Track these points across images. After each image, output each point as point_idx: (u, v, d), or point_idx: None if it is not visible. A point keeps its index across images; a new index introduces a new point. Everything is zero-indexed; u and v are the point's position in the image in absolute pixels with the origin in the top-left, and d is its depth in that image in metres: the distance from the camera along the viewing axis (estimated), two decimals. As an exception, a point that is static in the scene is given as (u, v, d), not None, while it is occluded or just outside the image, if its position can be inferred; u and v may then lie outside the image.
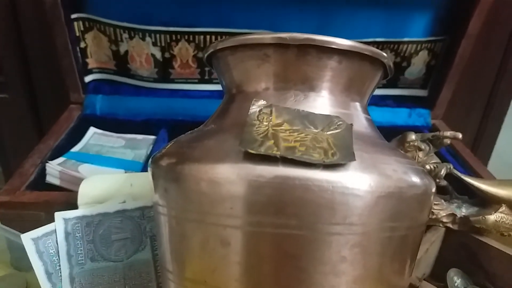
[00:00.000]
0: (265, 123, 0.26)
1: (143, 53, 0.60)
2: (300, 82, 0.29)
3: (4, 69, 0.71)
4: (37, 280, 0.45)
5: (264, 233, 0.24)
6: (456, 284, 0.42)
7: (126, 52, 0.61)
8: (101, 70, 0.63)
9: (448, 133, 0.40)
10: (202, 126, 0.33)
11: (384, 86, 0.65)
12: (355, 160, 0.24)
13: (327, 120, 0.27)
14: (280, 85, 0.29)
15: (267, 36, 0.28)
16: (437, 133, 0.40)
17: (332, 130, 0.26)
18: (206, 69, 0.63)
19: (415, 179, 0.26)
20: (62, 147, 0.55)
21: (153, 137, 0.61)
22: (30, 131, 0.75)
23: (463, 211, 0.42)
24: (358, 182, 0.24)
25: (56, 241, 0.38)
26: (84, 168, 0.51)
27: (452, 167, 0.41)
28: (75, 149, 0.56)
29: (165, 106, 0.63)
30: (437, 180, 0.40)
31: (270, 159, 0.24)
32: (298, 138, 0.25)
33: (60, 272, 0.37)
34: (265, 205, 0.24)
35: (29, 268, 0.46)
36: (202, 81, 0.64)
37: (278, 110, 0.27)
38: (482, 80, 0.71)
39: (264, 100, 0.28)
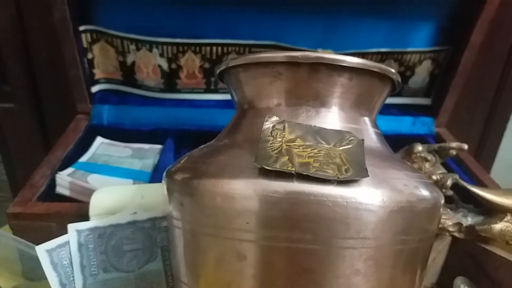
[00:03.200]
0: (278, 139, 0.27)
1: (150, 64, 0.61)
2: (312, 98, 0.29)
3: (10, 79, 0.72)
4: (48, 290, 0.46)
5: (280, 247, 0.25)
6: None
7: (133, 63, 0.62)
8: (108, 81, 0.64)
9: (454, 145, 0.40)
10: (214, 140, 0.33)
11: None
12: (368, 176, 0.25)
13: (339, 136, 0.28)
14: (292, 101, 0.30)
15: (279, 55, 0.29)
16: (443, 144, 0.41)
17: (344, 145, 0.27)
18: (212, 79, 0.63)
19: (425, 193, 0.27)
20: (70, 158, 0.55)
21: (159, 146, 0.62)
22: (36, 141, 0.76)
23: (469, 220, 0.43)
24: (371, 197, 0.24)
25: (70, 252, 0.38)
26: (93, 178, 0.52)
27: (458, 177, 0.41)
28: (83, 159, 0.57)
29: (171, 116, 0.63)
30: (444, 190, 0.41)
31: (285, 175, 0.24)
32: (312, 154, 0.26)
33: (74, 283, 0.38)
34: (280, 220, 0.24)
35: (40, 278, 0.46)
36: (208, 90, 0.64)
37: (291, 126, 0.28)
38: (485, 89, 0.72)
39: (276, 116, 0.29)
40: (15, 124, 0.73)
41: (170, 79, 0.63)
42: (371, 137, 0.30)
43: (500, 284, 0.43)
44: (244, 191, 0.25)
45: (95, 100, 0.64)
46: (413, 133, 0.65)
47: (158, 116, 0.63)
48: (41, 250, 0.37)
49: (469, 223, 0.43)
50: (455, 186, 0.44)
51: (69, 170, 0.53)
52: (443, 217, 0.43)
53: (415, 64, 0.63)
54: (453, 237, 0.44)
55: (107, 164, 0.57)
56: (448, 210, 0.43)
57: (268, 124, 0.28)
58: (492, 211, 0.43)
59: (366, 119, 0.31)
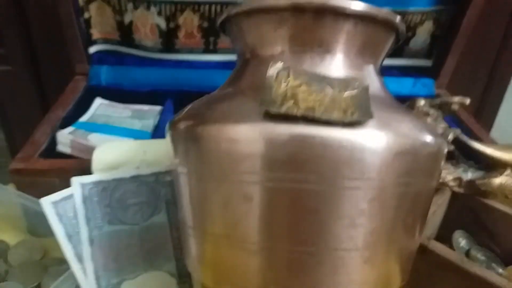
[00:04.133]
0: (283, 84, 0.27)
1: (147, 23, 0.60)
2: (316, 45, 0.29)
3: (5, 41, 0.70)
4: (54, 246, 0.46)
5: (285, 188, 0.25)
6: (461, 245, 0.44)
7: (131, 22, 0.61)
8: (106, 41, 0.63)
9: (456, 99, 0.40)
10: (217, 90, 0.33)
11: (389, 56, 0.65)
12: (372, 117, 0.25)
13: (344, 81, 0.28)
14: (296, 48, 0.29)
15: (284, 1, 0.28)
16: (445, 98, 0.41)
17: (349, 90, 0.27)
18: (211, 39, 0.63)
19: (429, 139, 0.27)
20: (70, 117, 0.55)
21: (159, 107, 0.62)
22: (34, 104, 0.75)
23: (469, 175, 0.44)
24: (376, 139, 0.25)
25: (74, 205, 0.39)
26: (94, 137, 0.52)
27: (459, 132, 0.42)
28: (83, 119, 0.57)
29: (170, 77, 0.63)
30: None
31: (291, 118, 0.25)
32: (317, 98, 0.26)
33: (80, 235, 0.38)
34: (286, 162, 0.25)
35: (45, 234, 0.47)
36: (207, 51, 0.64)
37: (296, 72, 0.28)
38: (486, 51, 0.71)
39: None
40: (12, 86, 0.73)
41: (168, 39, 0.62)
42: (376, 85, 0.30)
43: (498, 237, 0.44)
44: (249, 134, 0.25)
45: (93, 60, 0.63)
46: (414, 94, 0.65)
47: (157, 77, 0.63)
48: (47, 202, 0.38)
49: (469, 178, 0.43)
50: (456, 144, 0.45)
51: (70, 129, 0.52)
52: (443, 171, 0.44)
53: (417, 25, 0.63)
54: (453, 192, 0.45)
55: (107, 124, 0.57)
56: (449, 165, 0.44)
57: (272, 70, 0.28)
58: (492, 166, 0.43)
59: (371, 66, 0.31)
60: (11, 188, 0.45)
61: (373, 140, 0.25)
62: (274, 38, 0.30)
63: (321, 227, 0.25)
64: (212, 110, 0.28)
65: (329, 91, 0.27)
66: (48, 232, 0.47)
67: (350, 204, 0.25)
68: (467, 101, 0.40)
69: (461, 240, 0.44)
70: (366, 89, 0.28)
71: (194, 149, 0.28)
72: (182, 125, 0.29)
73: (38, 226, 0.47)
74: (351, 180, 0.25)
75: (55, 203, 0.38)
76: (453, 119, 0.60)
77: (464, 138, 0.42)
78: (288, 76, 0.27)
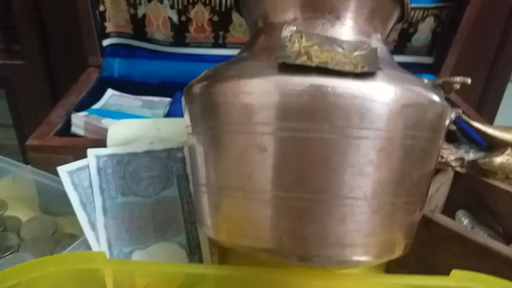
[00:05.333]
0: (296, 44, 0.29)
1: (160, 16, 0.62)
2: (327, 11, 0.31)
3: (20, 36, 0.73)
4: (66, 223, 0.48)
5: (298, 137, 0.26)
6: (464, 224, 0.45)
7: (144, 15, 0.63)
8: (119, 34, 0.66)
9: (458, 79, 0.42)
10: (231, 59, 0.35)
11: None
12: (381, 69, 0.26)
13: (354, 44, 0.29)
14: (308, 15, 0.31)
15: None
16: (447, 78, 0.42)
17: (358, 51, 0.29)
18: (220, 33, 0.65)
19: (436, 97, 0.29)
20: (83, 104, 0.57)
21: (169, 99, 0.64)
22: (46, 99, 0.77)
23: (471, 155, 0.45)
24: (385, 91, 0.26)
25: (89, 175, 0.40)
26: (107, 121, 0.53)
27: (461, 111, 0.43)
28: (95, 107, 0.58)
29: (180, 70, 0.65)
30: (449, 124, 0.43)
31: (304, 71, 0.26)
32: (329, 55, 0.27)
33: (94, 204, 0.39)
34: (299, 112, 0.26)
35: (58, 212, 0.48)
36: (216, 45, 0.66)
37: (308, 35, 0.30)
38: (486, 48, 0.74)
39: (293, 28, 0.30)
40: (25, 81, 0.75)
41: (180, 32, 0.64)
42: (384, 52, 0.32)
43: (499, 214, 0.45)
44: (265, 87, 0.27)
45: (106, 53, 0.65)
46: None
47: (167, 69, 0.65)
48: (63, 171, 0.39)
49: (471, 158, 0.45)
50: (458, 127, 0.46)
51: (83, 113, 0.54)
52: (446, 152, 0.45)
53: (418, 21, 0.65)
54: (456, 172, 0.46)
55: (119, 111, 0.58)
56: (451, 145, 0.45)
57: (286, 32, 0.30)
58: (493, 147, 0.45)
59: (379, 35, 0.33)
60: (26, 166, 0.47)
61: (382, 91, 0.26)
62: (286, 6, 0.32)
63: (331, 175, 0.26)
64: (228, 70, 0.30)
65: (340, 51, 0.28)
66: (60, 210, 0.48)
67: (359, 153, 0.26)
68: (468, 81, 0.42)
69: (463, 219, 0.45)
70: (374, 51, 0.29)
71: (210, 106, 0.29)
72: (198, 86, 0.31)
73: (50, 205, 0.48)
74: (361, 129, 0.26)
75: (70, 172, 0.39)
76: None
77: (466, 118, 0.44)
78: (301, 37, 0.29)
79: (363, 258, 0.28)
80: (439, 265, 0.40)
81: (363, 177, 0.27)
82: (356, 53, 0.29)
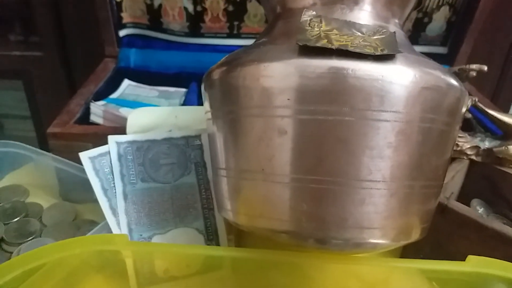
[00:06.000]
0: (316, 28, 0.29)
1: (176, 6, 0.63)
2: (346, -4, 0.31)
3: (38, 28, 0.74)
4: (86, 210, 0.49)
5: (318, 120, 0.27)
6: (478, 213, 0.45)
7: (160, 5, 0.64)
8: (135, 25, 0.66)
9: (474, 66, 0.42)
10: (249, 45, 0.35)
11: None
12: (401, 52, 0.27)
13: (373, 28, 0.30)
14: (327, 0, 0.32)
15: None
16: (463, 66, 0.42)
17: (378, 35, 0.29)
18: (235, 23, 0.65)
19: (454, 82, 0.29)
20: (101, 93, 0.58)
21: (184, 89, 0.64)
22: (64, 90, 0.78)
23: (486, 143, 0.45)
24: (405, 73, 0.26)
25: (110, 161, 0.41)
26: (125, 111, 0.54)
27: (477, 99, 0.43)
28: (113, 96, 0.59)
29: (195, 60, 0.65)
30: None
31: (325, 53, 0.27)
32: (349, 39, 0.28)
33: (115, 189, 0.40)
34: (320, 94, 0.27)
35: (78, 200, 0.49)
36: (231, 36, 0.66)
37: (327, 19, 0.30)
38: (501, 36, 0.73)
39: (312, 14, 0.31)
40: (43, 72, 0.76)
41: (195, 23, 0.65)
42: (401, 37, 0.32)
43: (515, 203, 0.45)
44: (285, 70, 0.27)
45: (123, 44, 0.66)
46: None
47: (182, 60, 0.65)
48: (85, 157, 0.40)
49: (486, 146, 0.45)
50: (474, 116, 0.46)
51: (102, 102, 0.55)
52: (461, 140, 0.45)
53: (433, 10, 0.65)
54: (471, 161, 0.46)
55: (136, 101, 0.59)
56: (466, 134, 0.45)
57: (305, 17, 0.30)
58: (509, 134, 0.45)
59: (397, 21, 0.33)
60: (47, 153, 0.48)
61: (401, 74, 0.26)
62: (305, -10, 0.32)
63: (350, 157, 0.27)
64: (247, 54, 0.30)
65: (359, 34, 0.29)
66: (80, 198, 0.49)
67: (378, 136, 0.27)
68: (485, 68, 0.42)
69: (478, 208, 0.45)
70: (393, 35, 0.30)
71: (230, 90, 0.30)
72: (217, 71, 0.31)
73: (71, 192, 0.49)
74: (380, 112, 0.26)
75: (92, 158, 0.40)
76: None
77: (482, 106, 0.44)
78: (321, 22, 0.30)
79: (380, 241, 0.29)
80: (454, 251, 0.40)
81: (382, 160, 0.27)
82: (375, 37, 0.29)
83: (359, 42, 0.27)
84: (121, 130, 0.45)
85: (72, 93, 0.79)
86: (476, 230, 0.37)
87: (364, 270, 0.34)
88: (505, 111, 0.80)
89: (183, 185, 0.42)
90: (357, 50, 0.26)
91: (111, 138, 0.41)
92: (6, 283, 0.30)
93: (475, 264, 0.32)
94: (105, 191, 0.40)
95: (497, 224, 0.37)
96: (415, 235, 0.31)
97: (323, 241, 0.29)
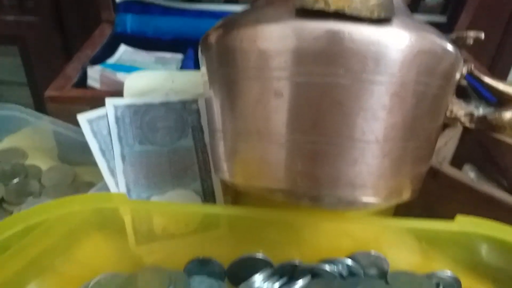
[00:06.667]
0: (313, -7, 0.29)
1: (173, -30, 0.62)
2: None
3: (33, -8, 0.73)
4: (84, 172, 0.50)
5: (314, 82, 0.27)
6: (469, 177, 0.46)
7: (157, -30, 0.63)
8: (131, -10, 0.66)
9: (471, 33, 0.42)
10: (246, 9, 0.35)
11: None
12: (397, 16, 0.27)
13: (370, -9, 0.30)
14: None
15: None
16: (460, 32, 0.42)
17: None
18: (233, -12, 0.65)
19: (449, 47, 0.30)
20: (97, 59, 0.58)
21: (181, 55, 0.64)
22: (59, 56, 0.78)
23: (481, 111, 0.45)
24: (401, 37, 0.27)
25: (108, 123, 0.41)
26: (122, 75, 0.54)
27: (473, 66, 0.43)
28: (110, 61, 0.59)
29: (192, 26, 0.65)
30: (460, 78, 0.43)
31: (322, 16, 0.27)
32: (346, 3, 0.28)
33: (113, 151, 0.41)
34: (316, 57, 0.27)
35: (76, 162, 0.50)
36: (228, 1, 0.66)
37: (325, -17, 0.30)
38: (500, 8, 0.73)
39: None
40: (38, 38, 0.75)
41: (192, -12, 0.64)
42: (399, 3, 0.32)
43: (506, 169, 0.46)
44: (282, 32, 0.27)
45: (119, 9, 0.65)
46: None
47: (179, 26, 0.65)
48: (83, 119, 0.40)
49: (480, 113, 0.45)
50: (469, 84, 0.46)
51: (99, 67, 0.55)
52: (456, 107, 0.46)
53: (433, -22, 0.64)
54: (465, 128, 0.47)
55: (133, 66, 0.59)
56: (461, 101, 0.46)
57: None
58: (503, 102, 0.45)
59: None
60: (45, 116, 0.48)
61: (397, 37, 0.27)
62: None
63: (345, 118, 0.28)
64: (244, 17, 0.30)
65: (357, -2, 0.29)
66: (78, 160, 0.50)
67: (373, 97, 0.27)
68: (482, 35, 0.42)
69: (470, 173, 0.46)
70: (391, 1, 0.30)
71: (227, 53, 0.30)
72: (214, 34, 0.32)
73: (69, 154, 0.50)
74: (375, 74, 0.27)
75: (90, 121, 0.41)
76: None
77: (477, 72, 0.44)
78: (317, -14, 0.30)
79: (372, 200, 0.30)
80: (445, 214, 0.41)
81: (376, 121, 0.28)
82: (372, 1, 0.29)
83: (356, 5, 0.27)
84: (118, 94, 0.45)
85: (68, 59, 0.79)
86: (467, 193, 0.39)
87: (356, 229, 0.35)
88: (502, 79, 0.81)
89: (180, 148, 0.43)
90: (354, 14, 0.26)
91: (109, 101, 0.41)
92: (7, 238, 0.31)
93: (463, 224, 0.34)
94: (103, 152, 0.41)
95: (487, 188, 0.38)
96: (406, 195, 0.32)
97: (317, 199, 0.30)
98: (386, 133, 0.28)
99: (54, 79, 0.51)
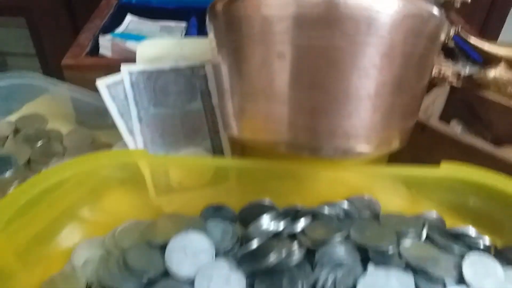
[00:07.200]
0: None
1: None
2: None
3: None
4: (101, 135, 0.53)
5: (314, 45, 0.31)
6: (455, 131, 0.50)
7: None
8: (134, -41, 0.68)
9: (459, -4, 0.45)
10: None
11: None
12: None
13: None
14: None
15: None
16: (448, -4, 0.45)
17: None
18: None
19: (436, 11, 0.33)
20: (106, 29, 0.61)
21: (184, 23, 0.67)
22: (66, 27, 0.80)
23: (467, 70, 0.49)
24: (390, 2, 0.30)
25: (124, 88, 0.45)
26: (131, 44, 0.57)
27: (460, 27, 0.47)
28: (118, 31, 0.62)
29: (195, -5, 0.67)
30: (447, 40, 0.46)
31: (320, -14, 0.30)
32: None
33: (130, 113, 0.45)
34: (315, 21, 0.30)
35: (93, 126, 0.54)
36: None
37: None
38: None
39: None
40: (44, 9, 0.77)
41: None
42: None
43: (490, 123, 0.50)
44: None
45: (124, -21, 0.67)
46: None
47: (182, -6, 0.67)
48: (102, 84, 0.44)
49: (467, 73, 0.49)
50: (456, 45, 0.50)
51: (109, 36, 0.58)
52: (444, 67, 0.49)
53: None
54: (452, 87, 0.50)
55: (140, 35, 0.62)
56: (449, 61, 0.49)
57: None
58: (488, 61, 0.49)
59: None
60: (63, 83, 0.52)
61: (387, 3, 0.30)
62: None
63: (340, 76, 0.31)
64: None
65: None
66: (94, 123, 0.54)
67: (365, 57, 0.31)
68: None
69: (457, 128, 0.50)
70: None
71: (233, 20, 0.33)
72: (221, 3, 0.35)
73: (85, 118, 0.54)
74: (368, 36, 0.30)
75: (108, 86, 0.44)
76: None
77: (463, 33, 0.47)
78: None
79: (364, 149, 0.34)
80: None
81: (368, 79, 0.31)
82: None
83: (350, -27, 0.31)
84: (130, 62, 0.48)
85: (75, 30, 0.82)
86: (451, 144, 0.43)
87: (351, 177, 0.39)
88: (493, 40, 0.83)
89: (190, 111, 0.47)
90: (348, -19, 0.30)
91: (124, 67, 0.45)
92: (37, 194, 0.34)
93: (447, 169, 0.38)
94: (121, 115, 0.44)
95: (470, 139, 0.42)
96: (394, 145, 0.36)
97: (316, 150, 0.34)
98: (377, 90, 0.32)
99: (63, 48, 0.54)
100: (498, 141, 0.49)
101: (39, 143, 0.50)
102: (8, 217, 0.32)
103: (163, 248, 0.35)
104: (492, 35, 0.81)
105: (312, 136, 0.33)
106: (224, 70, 0.36)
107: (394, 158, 0.44)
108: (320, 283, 0.33)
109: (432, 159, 0.45)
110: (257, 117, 0.35)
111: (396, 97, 0.33)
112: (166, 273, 0.34)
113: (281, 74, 0.32)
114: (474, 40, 0.47)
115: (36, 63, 0.90)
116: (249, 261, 0.34)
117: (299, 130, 0.33)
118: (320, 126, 0.32)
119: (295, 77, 0.32)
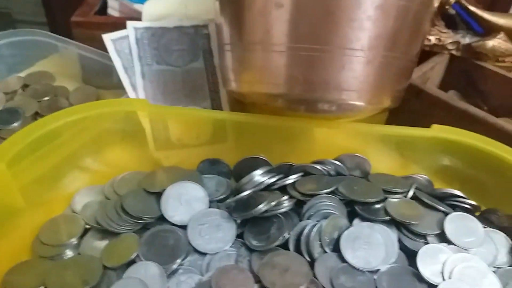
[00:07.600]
0: None
1: None
2: None
3: None
4: (106, 95, 0.55)
5: (310, -6, 0.32)
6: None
7: None
8: None
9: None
10: None
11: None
12: None
13: None
14: None
15: None
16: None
17: None
18: None
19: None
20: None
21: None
22: None
23: (467, 39, 0.50)
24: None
25: (129, 43, 0.46)
26: (138, 5, 0.58)
27: (461, -4, 0.47)
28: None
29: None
30: (447, 7, 0.47)
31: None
32: None
33: (134, 68, 0.46)
34: (312, -28, 0.31)
35: (98, 85, 0.55)
36: None
37: None
38: None
39: None
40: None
41: None
42: None
43: (487, 93, 0.50)
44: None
45: None
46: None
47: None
48: (107, 39, 0.45)
49: (466, 42, 0.50)
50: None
51: None
52: (443, 35, 0.50)
53: None
54: (451, 55, 0.51)
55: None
56: (450, 30, 0.50)
57: None
58: (489, 31, 0.49)
59: None
60: (71, 41, 0.53)
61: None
62: None
63: (336, 28, 0.32)
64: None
65: None
66: (99, 83, 0.55)
67: (360, 9, 0.32)
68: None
69: (455, 98, 0.51)
70: None
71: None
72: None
73: (92, 77, 0.55)
74: (363, -13, 0.31)
75: (114, 40, 0.46)
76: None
77: (465, 2, 0.48)
78: None
79: (357, 102, 0.35)
80: (427, 130, 0.46)
81: (362, 31, 0.32)
82: None
83: None
84: (139, 19, 0.50)
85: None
86: (445, 109, 0.44)
87: (344, 137, 0.40)
88: (505, 11, 0.82)
89: (192, 70, 0.48)
90: None
91: (129, 24, 0.46)
92: (42, 135, 0.36)
93: (437, 131, 0.38)
94: (125, 69, 0.46)
95: (463, 103, 0.43)
96: (386, 102, 0.37)
97: (311, 104, 0.35)
98: (370, 42, 0.33)
99: (72, 7, 0.55)
100: (494, 114, 0.50)
101: (46, 98, 0.51)
102: (14, 153, 0.34)
103: (159, 195, 0.37)
104: (504, 5, 0.80)
105: (307, 87, 0.34)
106: (225, 21, 0.37)
107: (390, 123, 0.44)
108: (305, 231, 0.34)
109: (427, 125, 0.46)
110: (255, 69, 0.36)
111: (388, 51, 0.34)
112: (161, 218, 0.36)
113: (278, 24, 0.33)
114: (474, 9, 0.48)
115: (43, 19, 0.91)
116: (240, 210, 0.35)
117: (294, 81, 0.34)
118: (315, 77, 0.34)
119: (291, 27, 0.33)
